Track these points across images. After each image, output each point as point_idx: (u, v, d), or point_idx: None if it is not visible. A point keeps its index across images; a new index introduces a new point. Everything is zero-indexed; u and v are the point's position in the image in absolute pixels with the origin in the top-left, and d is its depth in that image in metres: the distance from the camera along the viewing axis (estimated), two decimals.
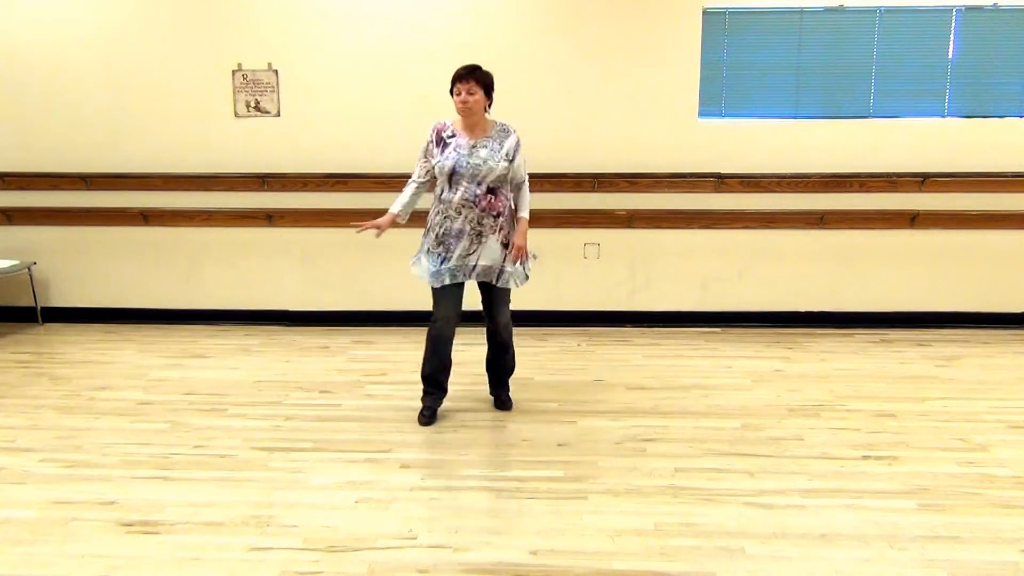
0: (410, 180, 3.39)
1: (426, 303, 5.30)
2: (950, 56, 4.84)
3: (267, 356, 4.47)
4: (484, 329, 3.51)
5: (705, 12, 4.81)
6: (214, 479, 2.86)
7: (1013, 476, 2.85)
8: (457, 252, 3.26)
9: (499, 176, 3.23)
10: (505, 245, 3.31)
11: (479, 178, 3.21)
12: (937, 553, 2.33)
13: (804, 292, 5.11)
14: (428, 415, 3.43)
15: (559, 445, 3.15)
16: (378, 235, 3.40)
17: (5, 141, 5.12)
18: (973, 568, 2.26)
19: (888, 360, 4.36)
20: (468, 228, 3.25)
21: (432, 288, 3.32)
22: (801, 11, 4.82)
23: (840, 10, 4.81)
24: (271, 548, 2.38)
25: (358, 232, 3.39)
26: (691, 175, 4.93)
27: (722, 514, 2.57)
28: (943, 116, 4.90)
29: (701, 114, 4.92)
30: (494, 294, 3.39)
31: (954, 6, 4.78)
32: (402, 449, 3.13)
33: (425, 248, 3.33)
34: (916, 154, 4.89)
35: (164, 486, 2.79)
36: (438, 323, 3.36)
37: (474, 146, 3.24)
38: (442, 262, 3.27)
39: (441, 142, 3.28)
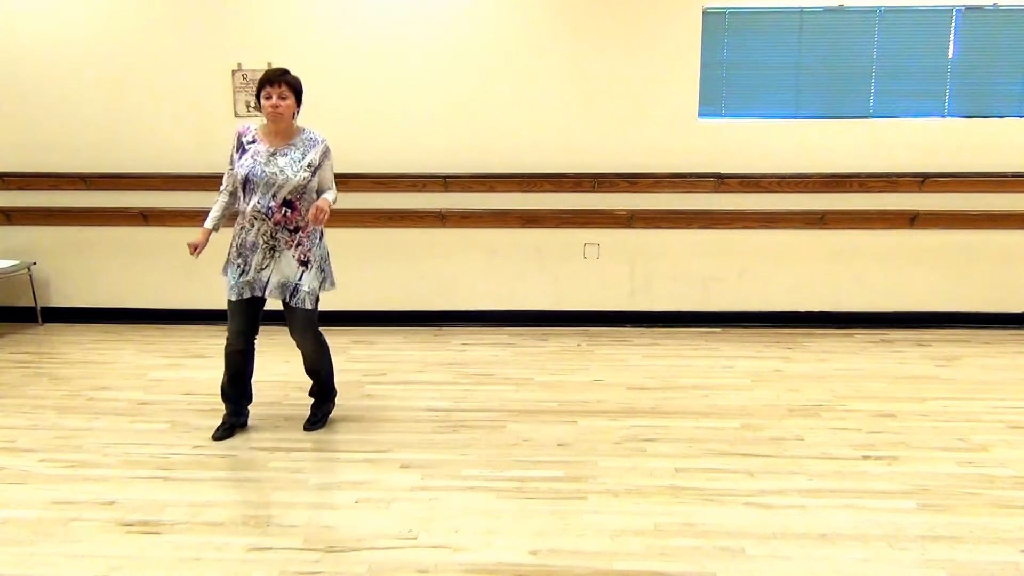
0: (221, 189, 3.19)
1: (429, 303, 5.29)
2: (950, 56, 4.84)
3: (267, 356, 4.47)
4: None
5: (705, 12, 4.81)
6: (214, 479, 2.86)
7: (1013, 476, 2.85)
8: (253, 265, 3.09)
9: (296, 187, 3.03)
10: (303, 263, 3.12)
11: (274, 189, 3.01)
12: (937, 553, 2.33)
13: (804, 292, 5.11)
14: (221, 431, 3.23)
15: (559, 445, 3.15)
16: (196, 254, 3.12)
17: (5, 141, 5.12)
18: (973, 568, 2.25)
19: (888, 360, 4.36)
20: (261, 241, 3.08)
21: (228, 300, 3.14)
22: (801, 11, 4.82)
23: (840, 10, 4.81)
24: (271, 548, 2.37)
25: (196, 256, 3.16)
26: (691, 175, 4.93)
27: (722, 514, 2.57)
28: (943, 116, 4.90)
29: (701, 114, 4.92)
30: (289, 313, 3.17)
31: (954, 6, 4.78)
32: (402, 449, 3.13)
33: (228, 258, 3.16)
34: (916, 154, 4.89)
35: (164, 486, 2.79)
36: (229, 338, 3.19)
37: (273, 154, 3.04)
38: (240, 275, 3.10)
39: (240, 148, 3.09)
